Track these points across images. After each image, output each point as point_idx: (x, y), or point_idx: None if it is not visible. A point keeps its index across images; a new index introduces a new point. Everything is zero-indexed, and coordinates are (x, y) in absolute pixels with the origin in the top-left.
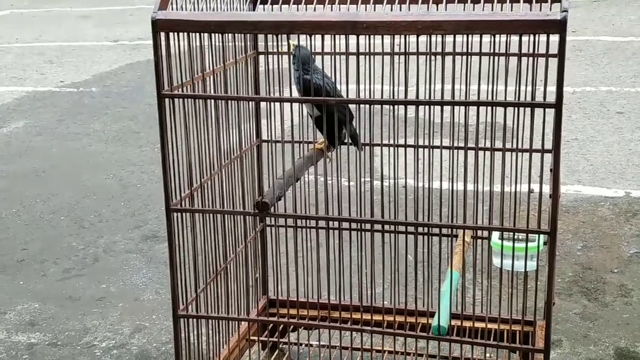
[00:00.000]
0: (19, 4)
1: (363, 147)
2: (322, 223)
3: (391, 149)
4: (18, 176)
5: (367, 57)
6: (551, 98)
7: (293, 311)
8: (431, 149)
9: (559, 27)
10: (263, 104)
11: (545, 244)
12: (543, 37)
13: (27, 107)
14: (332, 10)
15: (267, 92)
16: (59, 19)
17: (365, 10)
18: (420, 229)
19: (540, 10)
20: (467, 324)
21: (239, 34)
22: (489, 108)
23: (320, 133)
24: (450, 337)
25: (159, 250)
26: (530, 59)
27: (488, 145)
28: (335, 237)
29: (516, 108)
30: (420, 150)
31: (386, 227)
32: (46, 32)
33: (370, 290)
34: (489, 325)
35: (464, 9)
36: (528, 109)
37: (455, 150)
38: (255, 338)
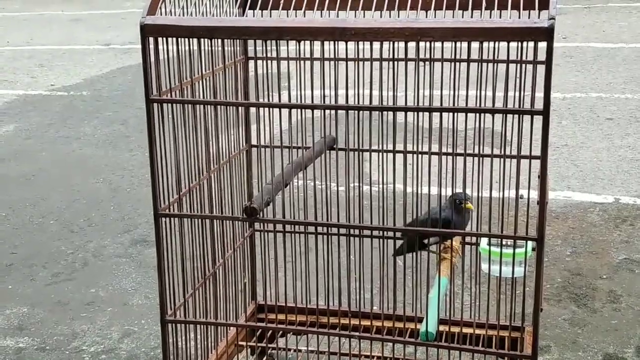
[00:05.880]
0: (10, 7)
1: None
2: (311, 228)
3: (380, 154)
4: (7, 180)
5: (356, 63)
6: (539, 105)
7: (282, 316)
8: (420, 155)
9: (545, 34)
10: (253, 109)
11: (533, 249)
12: (532, 44)
13: (18, 110)
14: (321, 16)
15: (256, 98)
16: (50, 22)
17: (355, 16)
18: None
19: (529, 17)
20: (455, 329)
21: (228, 39)
22: (477, 114)
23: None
24: (438, 342)
25: (148, 255)
26: (519, 65)
27: (477, 151)
28: (324, 242)
29: (504, 114)
30: (409, 155)
31: (375, 232)
32: (37, 35)
33: (359, 296)
34: (477, 331)
35: (453, 16)
36: (516, 116)
37: (444, 156)
38: (244, 343)
